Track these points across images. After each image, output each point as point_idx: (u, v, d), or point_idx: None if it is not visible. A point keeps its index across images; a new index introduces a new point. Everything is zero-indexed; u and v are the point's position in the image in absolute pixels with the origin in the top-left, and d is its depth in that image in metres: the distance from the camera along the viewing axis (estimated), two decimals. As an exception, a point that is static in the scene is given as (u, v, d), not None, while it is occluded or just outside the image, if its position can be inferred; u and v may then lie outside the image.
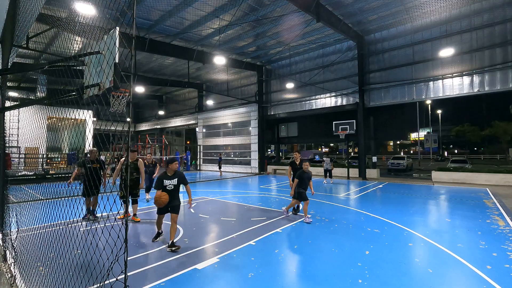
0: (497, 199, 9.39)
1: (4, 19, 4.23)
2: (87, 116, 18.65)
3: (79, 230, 5.01)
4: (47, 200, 3.55)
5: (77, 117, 2.75)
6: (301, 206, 7.35)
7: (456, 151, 61.58)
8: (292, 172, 7.46)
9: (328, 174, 14.87)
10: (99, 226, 5.44)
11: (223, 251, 4.64)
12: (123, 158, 6.66)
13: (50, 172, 15.02)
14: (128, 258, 2.70)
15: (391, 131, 18.73)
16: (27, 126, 4.90)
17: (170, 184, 4.79)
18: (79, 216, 6.62)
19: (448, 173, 14.83)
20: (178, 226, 6.25)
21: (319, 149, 59.88)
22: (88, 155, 6.76)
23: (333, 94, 18.10)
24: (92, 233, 4.92)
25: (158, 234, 5.26)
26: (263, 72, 21.92)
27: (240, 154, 23.36)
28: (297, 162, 7.40)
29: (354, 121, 16.59)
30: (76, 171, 6.56)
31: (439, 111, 53.37)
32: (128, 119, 2.24)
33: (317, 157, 35.08)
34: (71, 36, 12.66)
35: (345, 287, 3.45)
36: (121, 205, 5.86)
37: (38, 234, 5.26)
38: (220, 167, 19.75)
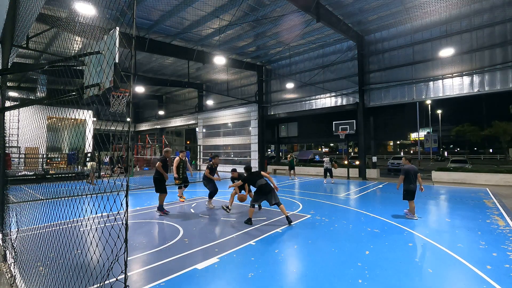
0: (497, 199, 9.39)
1: (4, 19, 4.23)
2: (87, 116, 18.68)
3: (79, 230, 5.02)
4: (47, 200, 3.55)
5: (77, 117, 2.75)
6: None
7: (456, 150, 61.57)
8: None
9: (328, 174, 14.91)
10: (99, 226, 5.43)
11: (223, 251, 4.64)
12: (176, 158, 8.57)
13: (50, 172, 15.02)
14: (128, 258, 2.70)
15: (391, 131, 18.72)
16: (27, 126, 4.91)
17: None
18: (79, 216, 6.62)
19: (448, 173, 14.83)
20: (177, 226, 6.26)
21: (319, 149, 59.82)
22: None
23: (333, 94, 18.09)
24: (92, 233, 4.92)
25: None
26: (263, 72, 21.90)
27: (240, 154, 23.35)
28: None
29: (354, 121, 16.57)
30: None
31: (439, 111, 53.40)
32: (128, 119, 2.24)
33: (317, 157, 35.10)
34: (71, 36, 12.65)
35: (345, 287, 3.45)
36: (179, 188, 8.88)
37: (38, 234, 5.26)
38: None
